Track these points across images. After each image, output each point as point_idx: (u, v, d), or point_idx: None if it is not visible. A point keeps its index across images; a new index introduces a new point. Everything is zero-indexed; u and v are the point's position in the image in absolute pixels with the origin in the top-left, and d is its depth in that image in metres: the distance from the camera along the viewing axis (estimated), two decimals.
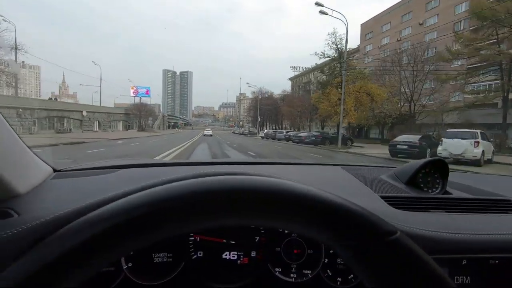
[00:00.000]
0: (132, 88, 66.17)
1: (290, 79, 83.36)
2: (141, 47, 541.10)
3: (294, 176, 0.79)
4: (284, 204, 0.36)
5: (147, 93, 68.07)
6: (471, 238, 0.60)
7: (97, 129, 42.42)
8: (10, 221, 0.48)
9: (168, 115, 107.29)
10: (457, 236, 0.59)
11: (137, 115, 59.09)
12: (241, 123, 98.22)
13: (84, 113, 37.84)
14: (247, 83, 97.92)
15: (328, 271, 0.70)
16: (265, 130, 44.29)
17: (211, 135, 42.98)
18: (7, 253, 0.40)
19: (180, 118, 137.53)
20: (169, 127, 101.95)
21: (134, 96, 64.54)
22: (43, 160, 0.72)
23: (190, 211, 0.35)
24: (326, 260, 0.70)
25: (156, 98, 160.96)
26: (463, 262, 0.59)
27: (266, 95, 78.14)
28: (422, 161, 0.86)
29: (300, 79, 78.48)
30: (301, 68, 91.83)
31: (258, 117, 47.25)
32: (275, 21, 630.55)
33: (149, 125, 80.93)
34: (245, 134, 55.88)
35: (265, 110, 72.19)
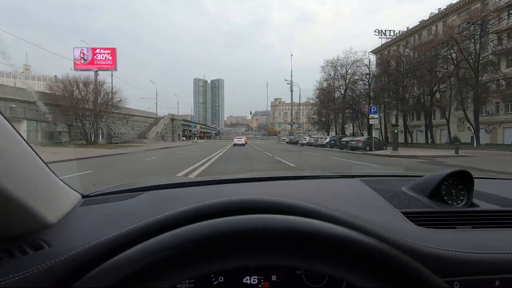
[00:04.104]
0: (82, 54, 32.36)
1: (375, 51, 45.59)
2: (175, 64, 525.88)
3: (308, 195, 0.81)
4: (341, 254, 0.39)
5: (112, 66, 33.74)
6: (503, 257, 0.56)
7: None
8: (41, 254, 0.48)
9: (183, 120, 72.94)
10: (486, 256, 0.56)
11: (68, 108, 24.72)
12: (289, 127, 61.15)
13: None
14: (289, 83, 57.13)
15: None
16: None
17: (243, 145, 32.38)
18: (41, 286, 0.41)
19: (200, 124, 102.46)
20: (188, 137, 69.04)
21: (84, 70, 30.73)
22: (70, 187, 0.73)
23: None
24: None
25: (187, 107, 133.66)
26: (496, 283, 0.55)
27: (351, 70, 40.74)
28: (444, 172, 0.81)
29: (404, 44, 40.84)
30: (393, 32, 53.37)
31: None
32: (304, 30, 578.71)
33: (145, 133, 47.65)
34: (357, 148, 19.08)
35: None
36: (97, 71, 31.43)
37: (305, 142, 35.20)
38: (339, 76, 41.93)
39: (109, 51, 34.10)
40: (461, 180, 0.81)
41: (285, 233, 0.40)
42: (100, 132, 33.61)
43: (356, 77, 40.33)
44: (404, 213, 0.69)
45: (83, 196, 0.78)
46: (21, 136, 0.55)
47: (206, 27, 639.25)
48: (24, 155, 0.55)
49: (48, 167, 0.62)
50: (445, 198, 0.79)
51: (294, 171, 7.00)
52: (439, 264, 0.52)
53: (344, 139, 25.00)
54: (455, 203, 0.79)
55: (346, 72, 40.80)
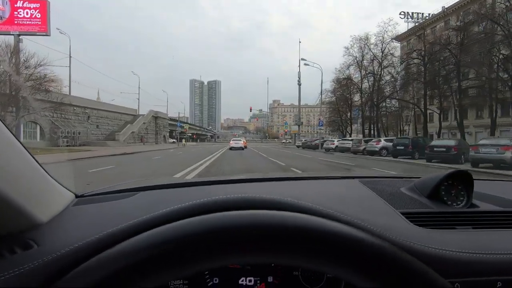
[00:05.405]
0: None
1: (401, 38, 35.61)
2: (174, 64, 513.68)
3: (306, 195, 0.79)
4: (342, 253, 0.39)
5: (43, 28, 22.54)
6: (505, 258, 0.55)
7: None
8: (30, 253, 0.47)
9: (171, 118, 62.32)
10: (488, 257, 0.55)
11: None
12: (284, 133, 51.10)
13: None
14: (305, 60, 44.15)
15: None
16: None
17: (242, 149, 25.23)
18: (28, 286, 0.41)
19: (190, 124, 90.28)
20: (179, 139, 58.84)
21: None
22: (64, 187, 0.72)
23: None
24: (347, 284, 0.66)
25: (182, 108, 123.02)
26: (498, 285, 0.54)
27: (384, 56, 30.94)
28: (444, 173, 0.80)
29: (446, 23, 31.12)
30: (421, 15, 43.28)
31: None
32: (304, 32, 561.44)
33: (115, 133, 37.14)
34: (501, 162, 7.00)
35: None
36: (19, 34, 21.08)
37: (333, 146, 24.92)
38: (370, 59, 31.88)
39: (38, 5, 22.63)
40: (461, 181, 0.80)
41: (271, 229, 0.40)
42: (39, 129, 23.14)
43: (395, 58, 30.36)
44: (403, 214, 0.68)
45: (77, 196, 0.77)
46: (13, 134, 0.54)
47: (205, 28, 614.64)
48: (15, 153, 0.54)
49: (41, 166, 0.61)
50: (445, 198, 0.78)
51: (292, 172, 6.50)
52: (440, 265, 0.51)
53: (436, 143, 14.02)
54: (454, 204, 0.78)
55: (382, 52, 30.83)
